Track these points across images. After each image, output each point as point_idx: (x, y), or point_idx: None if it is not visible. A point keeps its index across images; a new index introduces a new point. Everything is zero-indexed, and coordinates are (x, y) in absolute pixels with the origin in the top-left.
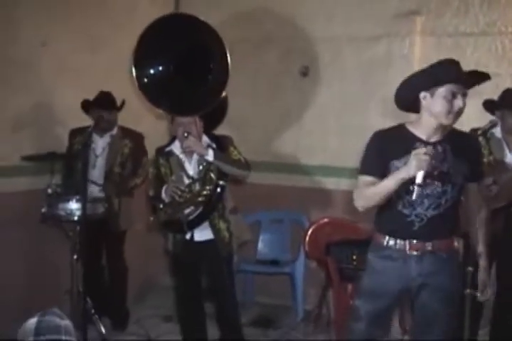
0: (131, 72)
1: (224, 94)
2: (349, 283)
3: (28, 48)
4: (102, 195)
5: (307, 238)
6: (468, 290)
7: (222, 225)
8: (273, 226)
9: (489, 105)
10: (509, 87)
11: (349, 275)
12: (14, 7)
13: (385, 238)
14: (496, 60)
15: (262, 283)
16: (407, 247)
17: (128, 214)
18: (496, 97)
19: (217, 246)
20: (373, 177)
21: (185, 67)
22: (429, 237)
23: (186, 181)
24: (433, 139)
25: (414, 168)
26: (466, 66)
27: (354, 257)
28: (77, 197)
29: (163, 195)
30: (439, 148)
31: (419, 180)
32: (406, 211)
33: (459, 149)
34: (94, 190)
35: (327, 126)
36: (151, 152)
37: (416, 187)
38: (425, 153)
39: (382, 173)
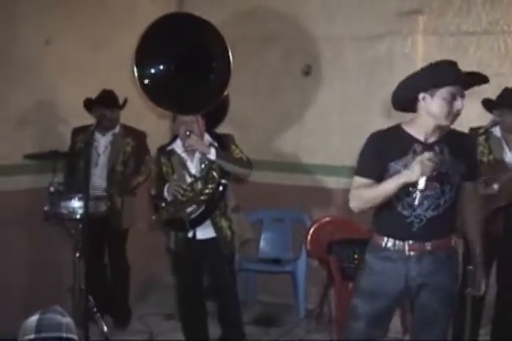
0: (134, 71)
1: (225, 92)
2: (351, 282)
3: (30, 47)
4: (104, 193)
5: (309, 237)
6: (469, 289)
7: (224, 223)
8: (275, 225)
9: (488, 104)
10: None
11: (351, 274)
12: (16, 6)
13: (383, 239)
14: (498, 59)
15: (264, 281)
16: (406, 248)
17: (130, 212)
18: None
19: (219, 245)
20: (369, 179)
21: (187, 66)
22: (428, 237)
23: (188, 180)
24: (430, 140)
25: (418, 173)
26: (469, 65)
27: (355, 256)
28: (80, 196)
29: (166, 194)
30: (437, 149)
31: (421, 185)
32: (406, 212)
33: (456, 149)
34: (97, 189)
35: (329, 125)
36: (153, 150)
37: (418, 193)
38: (429, 159)
39: (379, 175)
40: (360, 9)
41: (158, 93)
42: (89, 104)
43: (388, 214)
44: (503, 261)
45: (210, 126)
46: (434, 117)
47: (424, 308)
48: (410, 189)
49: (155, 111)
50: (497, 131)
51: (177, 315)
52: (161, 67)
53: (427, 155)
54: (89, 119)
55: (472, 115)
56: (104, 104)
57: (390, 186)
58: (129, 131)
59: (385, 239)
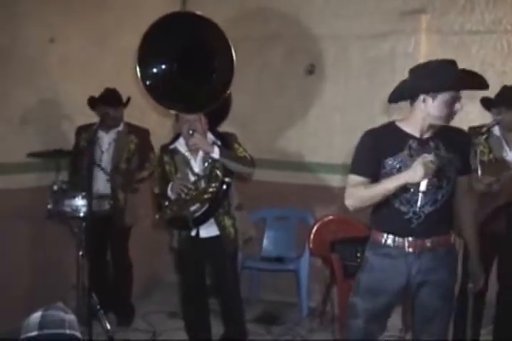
0: (136, 70)
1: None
2: (353, 280)
3: (33, 46)
4: (107, 191)
5: (312, 235)
6: (470, 285)
7: (227, 222)
8: (278, 224)
9: (486, 102)
10: None
11: (353, 273)
12: (18, 5)
13: (383, 236)
14: (501, 58)
15: (267, 279)
16: (406, 245)
17: (133, 210)
18: None
19: (223, 243)
20: (364, 178)
21: (189, 65)
22: (428, 234)
23: (192, 178)
24: (425, 136)
25: (420, 175)
26: (472, 64)
27: (358, 254)
28: (83, 194)
29: (169, 193)
30: (432, 144)
31: (423, 187)
32: (404, 208)
33: (450, 144)
34: (100, 187)
35: (332, 123)
36: (156, 149)
37: (420, 195)
38: (431, 161)
39: (374, 173)
40: (363, 8)
41: (161, 92)
42: (92, 103)
43: (386, 211)
44: (505, 259)
45: (213, 125)
46: (433, 118)
47: (424, 305)
48: (407, 185)
49: (158, 109)
50: (496, 129)
51: (180, 313)
52: (164, 66)
53: (429, 157)
54: (93, 117)
55: (472, 115)
56: (108, 102)
57: (389, 186)
58: (132, 128)
59: (385, 235)
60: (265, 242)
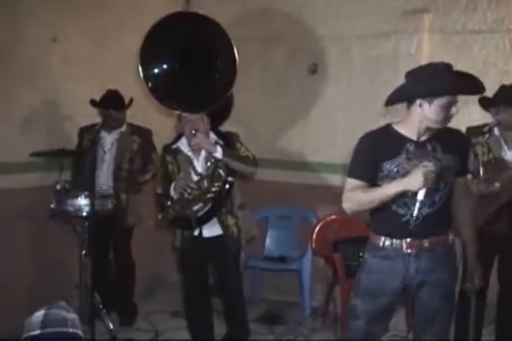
0: (139, 70)
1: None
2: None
3: (34, 46)
4: (110, 191)
5: (314, 235)
6: (468, 284)
7: (230, 221)
8: (280, 223)
9: (484, 102)
10: None
11: (356, 272)
12: (20, 5)
13: (380, 239)
14: (503, 58)
15: (270, 279)
16: (404, 246)
17: (136, 210)
18: None
19: (226, 242)
20: (362, 181)
21: (192, 65)
22: (426, 234)
23: (195, 178)
24: (422, 138)
25: (420, 184)
26: (474, 64)
27: (361, 254)
28: (86, 193)
29: (172, 192)
30: (429, 147)
31: (420, 196)
32: (401, 211)
33: (448, 146)
34: (103, 187)
35: (334, 123)
36: (158, 149)
37: (417, 203)
38: (432, 172)
39: (372, 176)
40: (366, 8)
41: (163, 92)
42: (94, 105)
43: (384, 214)
44: (506, 260)
45: (215, 124)
46: (430, 121)
47: (424, 305)
48: (406, 191)
49: (161, 109)
50: (496, 129)
51: (183, 313)
52: (166, 66)
53: (430, 167)
54: (95, 117)
55: (474, 115)
56: (110, 105)
57: (388, 192)
58: (135, 129)
59: (383, 238)
60: (268, 242)
